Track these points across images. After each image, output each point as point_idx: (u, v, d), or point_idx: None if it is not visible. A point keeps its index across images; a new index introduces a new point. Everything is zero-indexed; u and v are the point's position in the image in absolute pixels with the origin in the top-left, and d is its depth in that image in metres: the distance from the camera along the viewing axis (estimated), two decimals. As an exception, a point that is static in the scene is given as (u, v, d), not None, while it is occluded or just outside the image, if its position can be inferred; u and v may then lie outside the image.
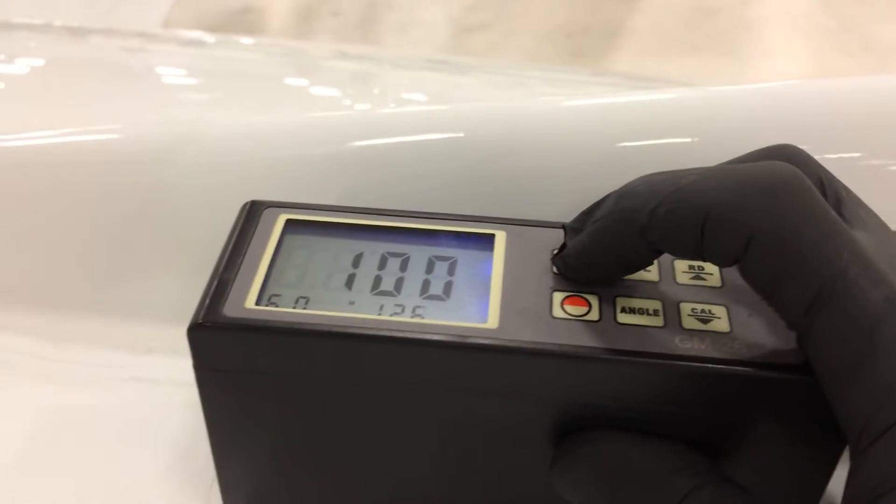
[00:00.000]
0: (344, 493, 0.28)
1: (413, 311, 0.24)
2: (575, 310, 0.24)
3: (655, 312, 0.24)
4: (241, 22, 1.21)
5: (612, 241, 0.23)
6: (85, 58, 0.61)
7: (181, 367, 0.35)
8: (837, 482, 0.25)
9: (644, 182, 0.23)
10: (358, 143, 0.35)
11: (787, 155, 0.24)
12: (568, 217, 0.26)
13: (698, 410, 0.23)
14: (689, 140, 0.34)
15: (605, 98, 0.36)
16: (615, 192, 0.24)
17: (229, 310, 0.24)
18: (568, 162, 0.34)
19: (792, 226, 0.20)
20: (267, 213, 0.27)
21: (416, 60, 0.67)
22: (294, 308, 0.24)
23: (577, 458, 0.24)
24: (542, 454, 0.25)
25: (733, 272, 0.25)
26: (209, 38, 0.67)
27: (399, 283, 0.25)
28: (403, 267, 0.26)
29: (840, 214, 0.23)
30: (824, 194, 0.23)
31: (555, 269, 0.25)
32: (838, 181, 0.24)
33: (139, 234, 0.36)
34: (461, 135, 0.35)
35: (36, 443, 0.33)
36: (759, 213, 0.21)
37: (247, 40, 0.71)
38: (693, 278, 0.25)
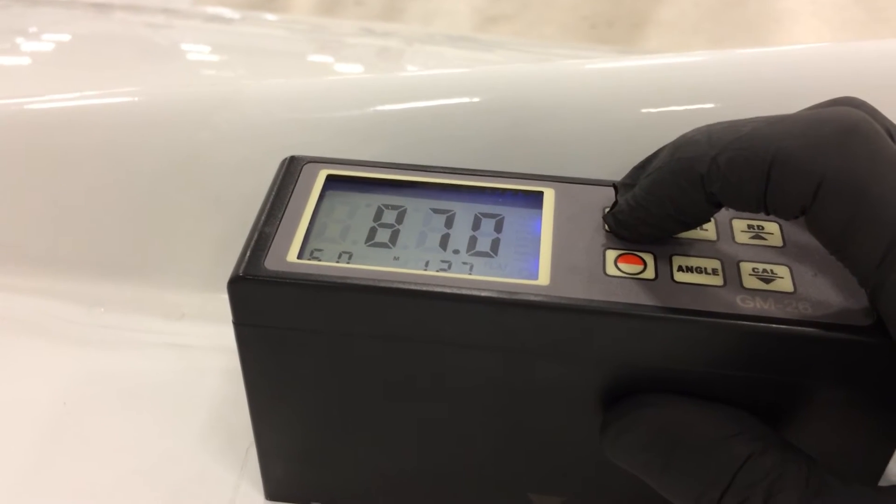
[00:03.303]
0: (386, 457, 0.27)
1: (460, 267, 0.24)
2: (630, 268, 0.23)
3: (714, 271, 0.23)
4: (265, 10, 1.21)
5: (669, 192, 0.22)
6: (109, 33, 0.61)
7: (215, 334, 0.35)
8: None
9: (702, 131, 0.22)
10: (391, 106, 0.34)
11: (854, 106, 0.23)
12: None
13: (759, 374, 0.22)
14: (713, 105, 0.33)
15: (631, 60, 0.35)
16: (670, 143, 0.23)
17: (271, 263, 0.23)
18: (602, 125, 0.33)
19: (865, 171, 0.19)
20: (307, 168, 0.26)
21: (441, 37, 0.66)
22: (337, 262, 0.24)
23: (629, 422, 0.23)
24: (592, 418, 0.24)
25: (794, 233, 0.24)
26: (234, 14, 0.67)
27: (445, 240, 0.24)
28: (449, 224, 0.25)
29: None
30: None
31: (606, 228, 0.24)
32: None
33: (173, 200, 0.36)
34: (484, 98, 0.34)
35: (69, 408, 0.32)
36: (830, 157, 0.19)
37: (271, 17, 0.71)
38: (753, 238, 0.24)
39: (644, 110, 0.33)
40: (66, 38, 0.59)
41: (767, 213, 0.21)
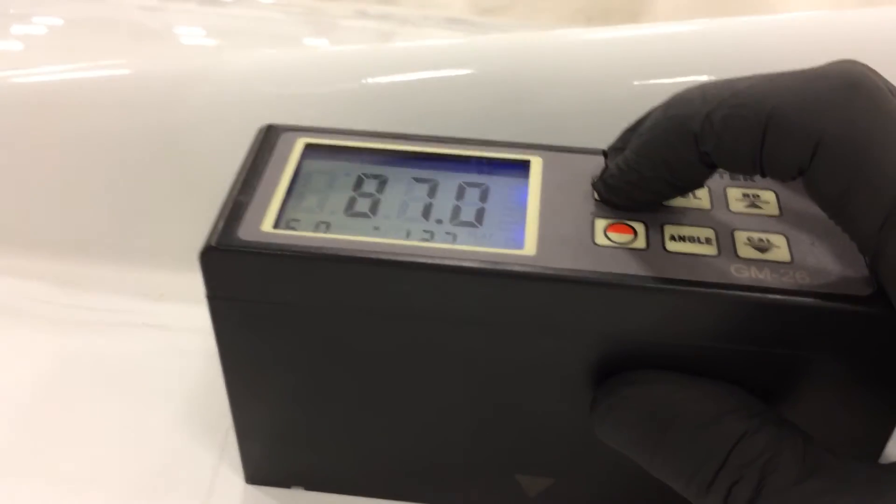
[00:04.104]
0: (368, 438, 0.26)
1: (443, 237, 0.23)
2: (619, 237, 0.22)
3: (708, 240, 0.22)
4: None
5: (661, 153, 0.21)
6: (102, 17, 0.60)
7: (194, 315, 0.33)
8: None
9: (696, 89, 0.21)
10: (379, 79, 0.33)
11: (854, 69, 0.22)
12: None
13: (754, 346, 0.21)
14: (707, 76, 0.32)
15: (625, 30, 0.34)
16: (663, 102, 0.22)
17: (245, 233, 0.22)
18: (595, 95, 0.32)
19: (866, 128, 0.18)
20: (284, 136, 0.25)
21: (436, 20, 0.65)
22: (315, 233, 0.23)
23: (620, 399, 0.22)
24: (581, 396, 0.23)
25: (791, 201, 0.23)
26: (227, -4, 0.66)
27: (427, 209, 0.24)
28: (432, 193, 0.24)
29: None
30: None
31: (596, 196, 0.23)
32: None
33: (151, 177, 0.35)
34: (474, 69, 0.33)
35: (45, 390, 0.31)
36: (829, 114, 0.18)
37: (265, -1, 0.70)
38: (748, 206, 0.23)
39: (637, 82, 0.32)
40: (58, 21, 0.58)
41: (763, 175, 0.20)
